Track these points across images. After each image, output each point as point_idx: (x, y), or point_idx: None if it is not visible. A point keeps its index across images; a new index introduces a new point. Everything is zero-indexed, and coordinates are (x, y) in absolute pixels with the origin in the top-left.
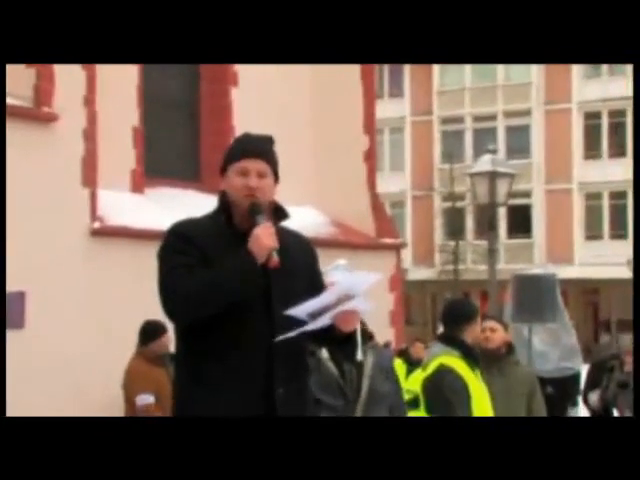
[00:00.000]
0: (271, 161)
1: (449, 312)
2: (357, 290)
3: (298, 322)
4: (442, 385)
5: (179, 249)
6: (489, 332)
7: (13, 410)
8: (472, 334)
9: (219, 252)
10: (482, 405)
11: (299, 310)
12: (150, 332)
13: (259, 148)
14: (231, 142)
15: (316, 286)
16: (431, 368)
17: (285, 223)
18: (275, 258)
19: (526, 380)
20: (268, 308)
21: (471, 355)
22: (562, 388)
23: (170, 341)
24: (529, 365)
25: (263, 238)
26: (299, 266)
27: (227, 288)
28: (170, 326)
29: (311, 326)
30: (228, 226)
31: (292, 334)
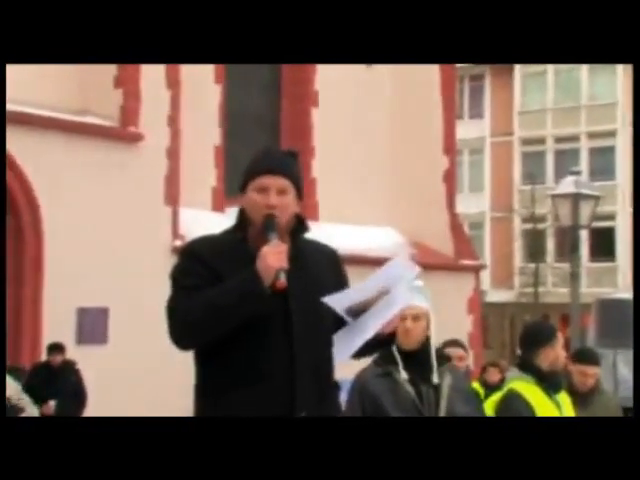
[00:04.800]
0: (293, 177)
1: (523, 336)
2: (395, 279)
3: (322, 342)
4: (508, 411)
5: (189, 270)
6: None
7: None
8: (548, 358)
9: (233, 272)
10: None
11: (336, 301)
12: None
13: (279, 164)
14: (253, 157)
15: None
16: (501, 393)
17: (364, 243)
18: (282, 280)
19: (610, 411)
20: (287, 330)
21: (546, 380)
22: None
23: None
24: (614, 392)
25: (269, 257)
26: (323, 282)
27: (226, 311)
28: None
29: (367, 335)
30: (244, 245)
31: (357, 345)
